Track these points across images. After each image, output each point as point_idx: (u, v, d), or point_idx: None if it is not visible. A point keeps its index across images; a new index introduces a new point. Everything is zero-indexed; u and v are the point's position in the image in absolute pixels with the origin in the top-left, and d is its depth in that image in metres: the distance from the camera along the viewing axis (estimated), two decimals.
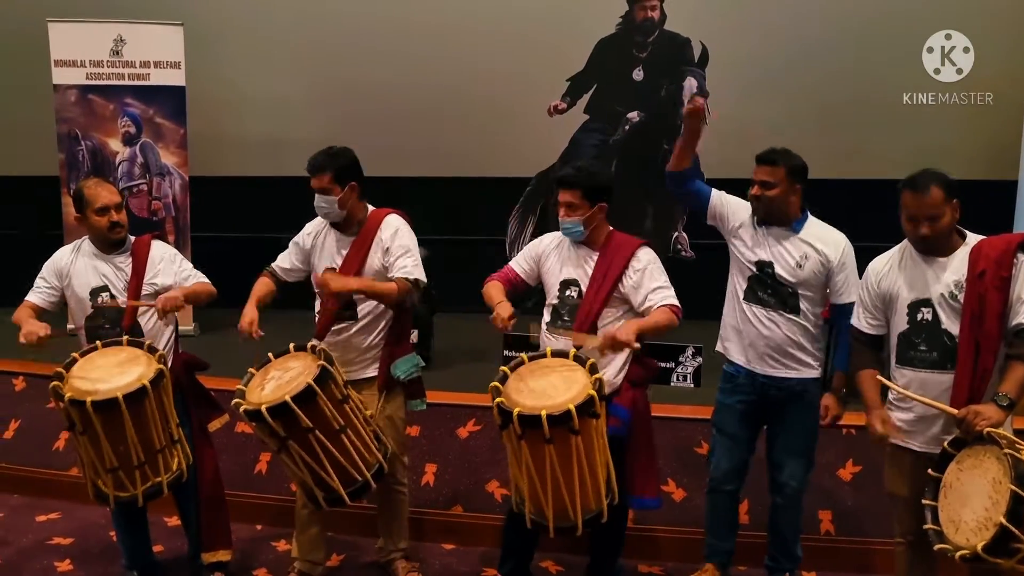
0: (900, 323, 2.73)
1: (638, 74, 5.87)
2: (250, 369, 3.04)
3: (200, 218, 6.19)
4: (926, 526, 2.44)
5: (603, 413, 2.76)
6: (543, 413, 2.58)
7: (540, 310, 3.23)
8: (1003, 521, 2.16)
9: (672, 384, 4.02)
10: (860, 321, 2.87)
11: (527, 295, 3.39)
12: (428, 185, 6.32)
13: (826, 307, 3.20)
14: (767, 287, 3.07)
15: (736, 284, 3.17)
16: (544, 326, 3.15)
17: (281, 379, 2.91)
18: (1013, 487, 2.17)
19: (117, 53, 5.97)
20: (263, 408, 2.79)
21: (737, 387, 3.17)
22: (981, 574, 2.52)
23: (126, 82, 5.99)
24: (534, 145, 6.09)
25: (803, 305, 3.05)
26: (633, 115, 5.83)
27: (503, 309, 2.98)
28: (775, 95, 6.09)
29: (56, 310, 3.34)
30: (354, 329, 3.20)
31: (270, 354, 3.09)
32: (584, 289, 3.06)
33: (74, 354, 3.03)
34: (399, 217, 3.26)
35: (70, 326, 3.40)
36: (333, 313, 3.16)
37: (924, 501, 2.48)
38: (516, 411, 2.63)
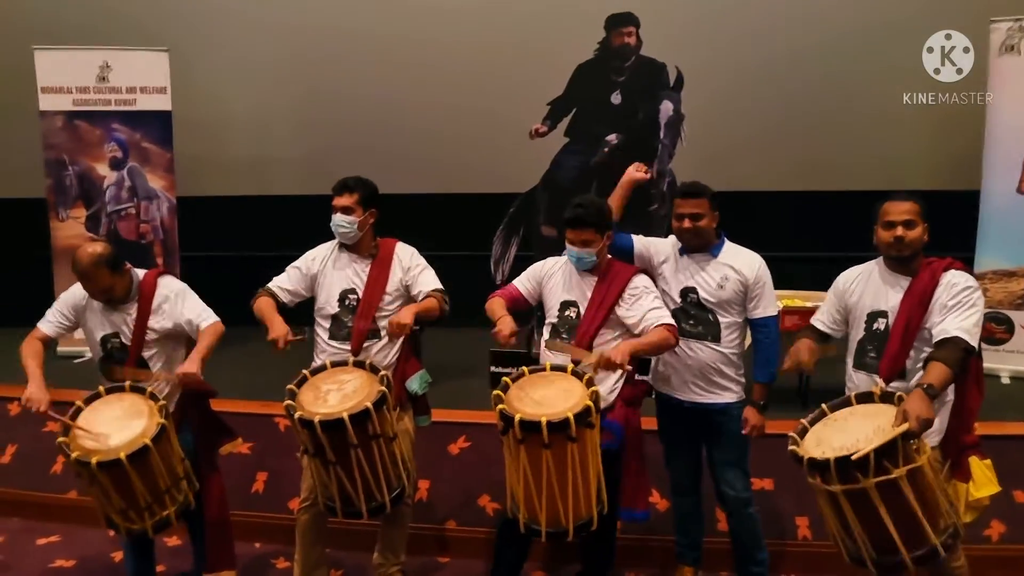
0: (858, 330, 2.98)
1: (616, 98, 6.04)
2: (289, 387, 3.11)
3: (188, 238, 6.27)
4: (791, 433, 2.72)
5: (598, 424, 2.94)
6: (543, 419, 2.76)
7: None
8: (871, 451, 2.46)
9: None
10: (818, 320, 3.15)
11: (528, 313, 3.52)
12: (412, 202, 6.40)
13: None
14: (690, 316, 3.27)
15: None
16: (544, 342, 3.32)
17: (340, 391, 3.05)
18: (898, 435, 2.47)
19: (103, 79, 6.05)
20: (316, 420, 2.92)
21: (666, 410, 3.44)
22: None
23: (112, 107, 6.08)
24: (517, 166, 6.24)
25: (723, 332, 3.25)
26: (612, 137, 6.00)
27: (505, 325, 3.13)
28: (751, 111, 6.32)
29: (66, 336, 3.47)
30: (379, 346, 3.38)
31: (305, 372, 3.19)
32: (583, 310, 3.24)
33: (78, 402, 3.15)
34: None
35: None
36: (367, 332, 3.33)
37: (803, 420, 2.76)
38: (518, 417, 2.80)
